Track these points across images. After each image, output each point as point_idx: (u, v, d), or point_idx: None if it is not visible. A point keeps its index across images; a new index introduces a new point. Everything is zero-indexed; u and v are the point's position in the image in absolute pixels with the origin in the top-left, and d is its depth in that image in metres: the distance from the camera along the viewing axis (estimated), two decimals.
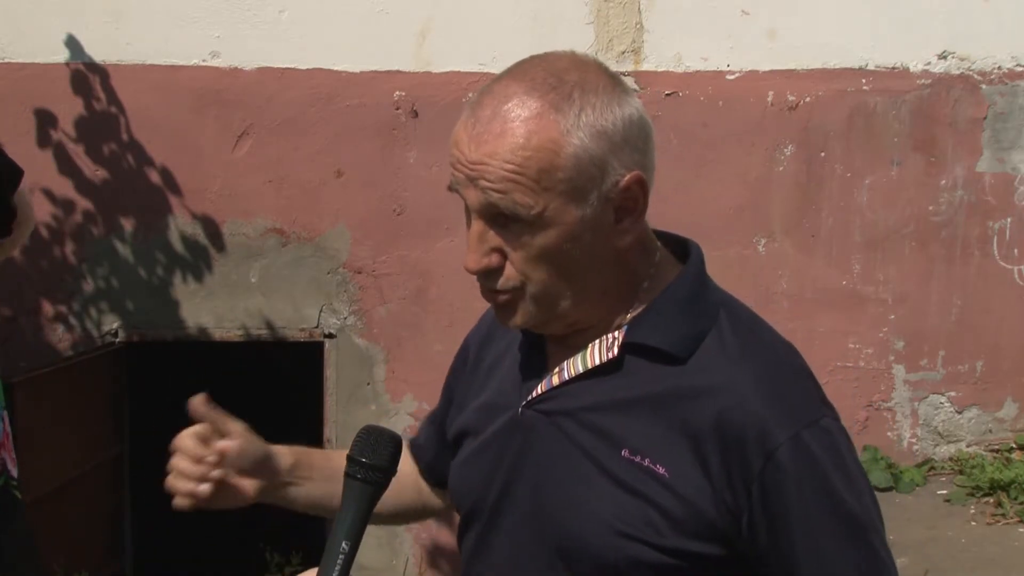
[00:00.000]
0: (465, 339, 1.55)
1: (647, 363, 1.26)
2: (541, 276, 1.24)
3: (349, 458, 1.31)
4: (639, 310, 1.29)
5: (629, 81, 4.76)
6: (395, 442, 1.33)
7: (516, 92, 1.20)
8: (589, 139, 1.19)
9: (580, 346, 1.30)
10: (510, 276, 1.25)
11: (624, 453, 1.24)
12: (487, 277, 1.26)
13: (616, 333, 1.28)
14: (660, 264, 1.32)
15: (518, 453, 1.32)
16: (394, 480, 1.31)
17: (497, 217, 1.22)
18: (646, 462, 1.23)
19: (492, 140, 1.19)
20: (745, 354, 1.25)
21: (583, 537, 1.25)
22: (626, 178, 1.21)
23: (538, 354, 1.36)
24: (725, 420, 1.20)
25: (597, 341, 1.29)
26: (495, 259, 1.24)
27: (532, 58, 1.25)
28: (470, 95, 5.03)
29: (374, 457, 1.30)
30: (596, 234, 1.23)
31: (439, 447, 1.56)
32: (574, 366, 1.29)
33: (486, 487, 1.36)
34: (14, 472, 2.52)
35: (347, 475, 1.31)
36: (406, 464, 1.55)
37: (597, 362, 1.28)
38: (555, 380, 1.30)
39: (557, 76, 1.21)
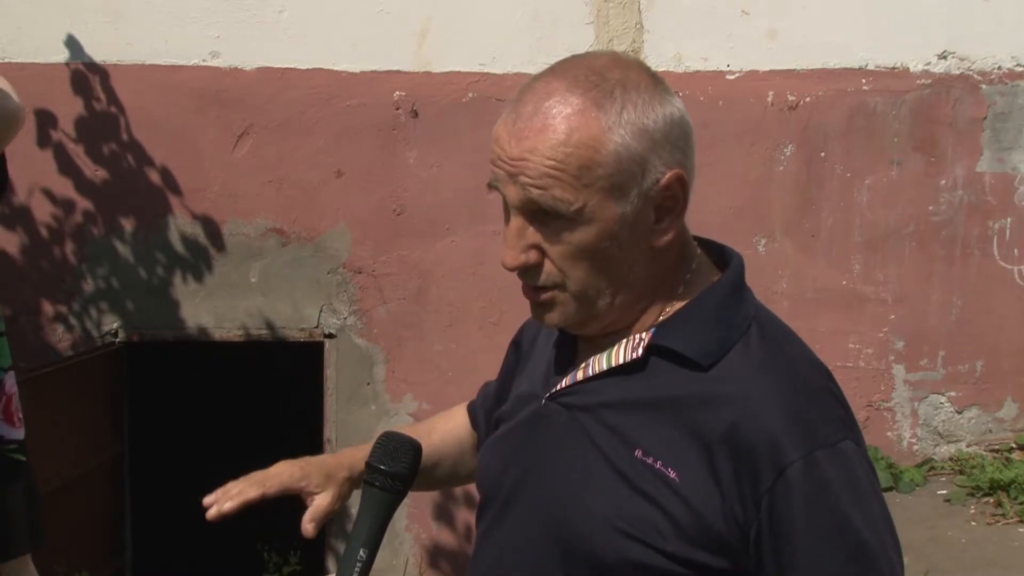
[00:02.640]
0: (517, 335, 1.57)
1: (670, 366, 1.26)
2: (580, 273, 1.24)
3: (368, 465, 1.31)
4: (670, 313, 1.29)
5: None
6: (415, 450, 1.33)
7: (558, 89, 1.21)
8: (630, 137, 1.20)
9: (609, 345, 1.30)
10: (550, 272, 1.25)
11: (637, 454, 1.24)
12: (526, 274, 1.27)
13: (643, 334, 1.28)
14: (697, 270, 1.31)
15: (537, 443, 1.34)
16: (456, 442, 1.40)
17: (537, 213, 1.22)
18: (658, 464, 1.22)
19: (533, 136, 1.20)
20: (768, 368, 1.24)
21: (585, 532, 1.25)
22: (667, 176, 1.22)
23: (569, 349, 1.37)
24: (739, 432, 1.19)
25: (625, 340, 1.29)
26: (533, 256, 1.25)
27: (573, 57, 1.27)
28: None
29: (393, 465, 1.30)
30: (635, 232, 1.23)
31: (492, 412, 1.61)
32: (599, 363, 1.30)
33: (504, 472, 1.37)
34: (17, 435, 2.50)
35: (366, 482, 1.30)
36: (464, 427, 1.66)
37: (621, 361, 1.28)
38: (579, 375, 1.31)
39: (599, 74, 1.21)
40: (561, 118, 1.19)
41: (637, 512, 1.22)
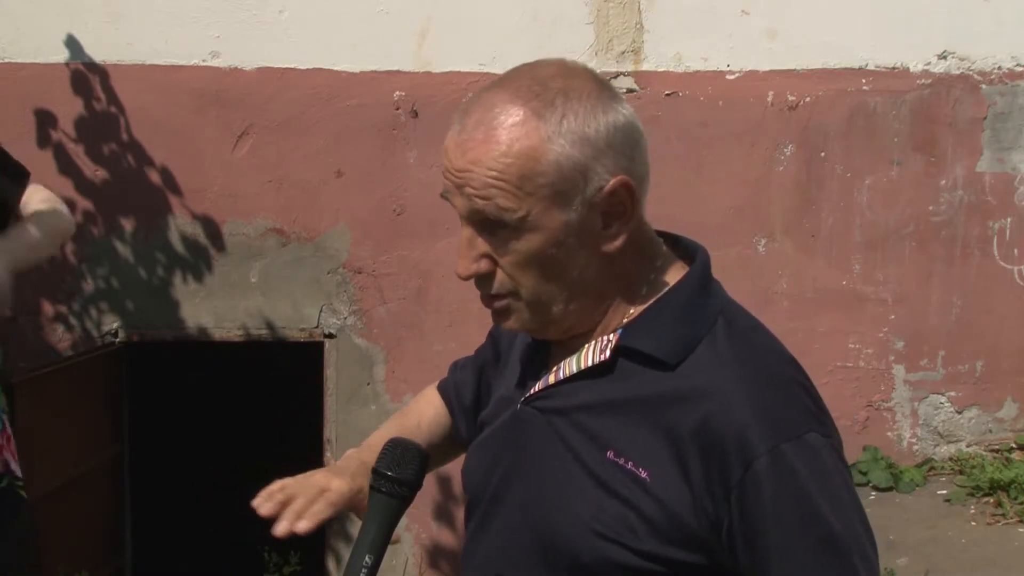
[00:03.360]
0: (490, 334, 1.59)
1: (638, 367, 1.27)
2: (530, 281, 1.27)
3: (374, 471, 1.31)
4: (636, 314, 1.30)
5: (629, 81, 4.76)
6: (421, 456, 1.33)
7: (500, 100, 1.23)
8: (571, 145, 1.21)
9: (579, 347, 1.32)
10: (502, 281, 1.28)
11: (609, 455, 1.25)
12: (480, 283, 1.30)
13: (611, 336, 1.29)
14: (662, 267, 1.33)
15: (516, 447, 1.35)
16: (441, 429, 1.47)
17: (484, 223, 1.25)
18: (629, 465, 1.23)
19: (476, 147, 1.22)
20: (734, 362, 1.25)
21: (564, 535, 1.27)
22: (611, 183, 1.23)
23: (542, 352, 1.39)
24: (707, 427, 1.20)
25: (593, 342, 1.30)
26: (484, 265, 1.27)
27: (521, 66, 1.28)
28: (465, 98, 4.99)
29: (400, 471, 1.30)
30: (583, 239, 1.24)
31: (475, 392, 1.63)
32: (569, 366, 1.31)
33: (487, 476, 1.39)
34: (18, 471, 2.52)
35: (372, 488, 1.31)
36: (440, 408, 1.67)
37: (590, 363, 1.30)
38: (551, 379, 1.33)
39: (542, 83, 1.23)
40: (503, 129, 1.21)
41: (611, 513, 1.23)
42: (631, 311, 1.30)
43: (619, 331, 1.29)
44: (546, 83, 1.23)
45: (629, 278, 1.30)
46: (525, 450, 1.34)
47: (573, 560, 1.26)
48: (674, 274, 1.32)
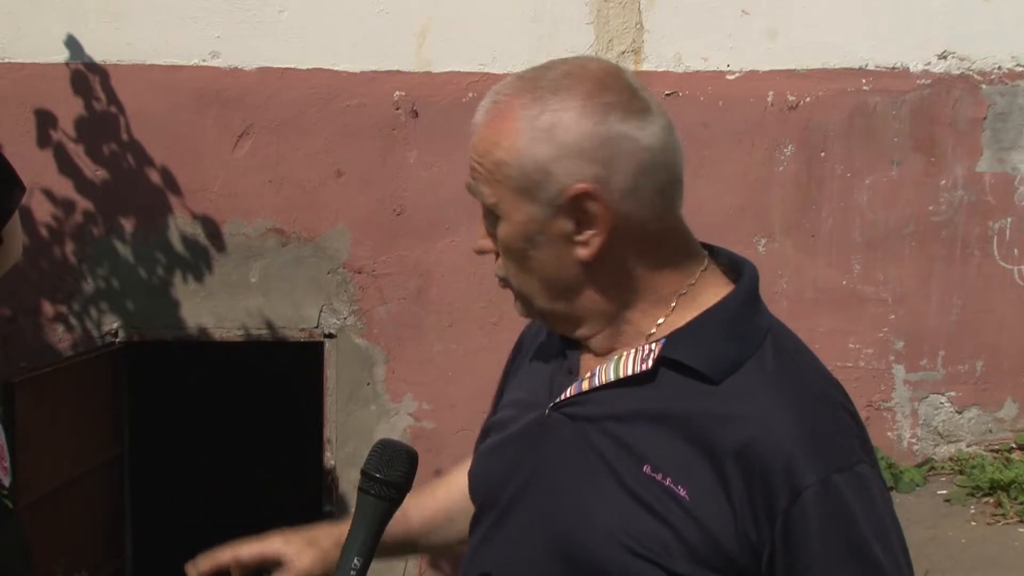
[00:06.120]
0: (520, 335, 1.55)
1: (681, 379, 1.22)
2: (512, 270, 1.28)
3: (363, 472, 1.29)
4: (677, 324, 1.25)
5: None
6: (411, 458, 1.32)
7: (505, 89, 1.25)
8: (536, 142, 1.20)
9: (612, 354, 1.28)
10: (499, 265, 1.31)
11: (646, 469, 1.21)
12: (496, 265, 1.32)
13: (652, 345, 1.25)
14: (702, 279, 1.28)
15: (539, 453, 1.31)
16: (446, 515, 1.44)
17: (483, 206, 1.28)
18: (667, 481, 1.19)
19: (476, 132, 1.26)
20: (783, 385, 1.20)
21: (590, 548, 1.22)
22: (571, 189, 1.20)
23: (572, 356, 1.35)
24: (752, 450, 1.16)
25: (633, 350, 1.26)
26: (488, 244, 1.30)
27: (552, 61, 1.28)
28: (467, 98, 5.07)
29: (388, 473, 1.29)
30: (553, 238, 1.23)
31: None
32: (606, 373, 1.27)
33: (503, 482, 1.34)
34: (6, 482, 2.50)
35: (360, 490, 1.29)
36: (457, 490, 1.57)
37: (630, 372, 1.25)
38: (585, 385, 1.28)
39: (545, 78, 1.23)
40: (491, 116, 1.24)
41: (644, 529, 1.19)
42: (659, 321, 1.26)
43: (662, 341, 1.24)
44: (549, 79, 1.23)
45: (639, 289, 1.26)
46: (550, 457, 1.29)
47: (597, 573, 1.21)
48: (716, 288, 1.27)
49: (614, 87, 1.24)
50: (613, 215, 1.21)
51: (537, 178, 1.21)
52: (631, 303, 1.27)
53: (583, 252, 1.23)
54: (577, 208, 1.21)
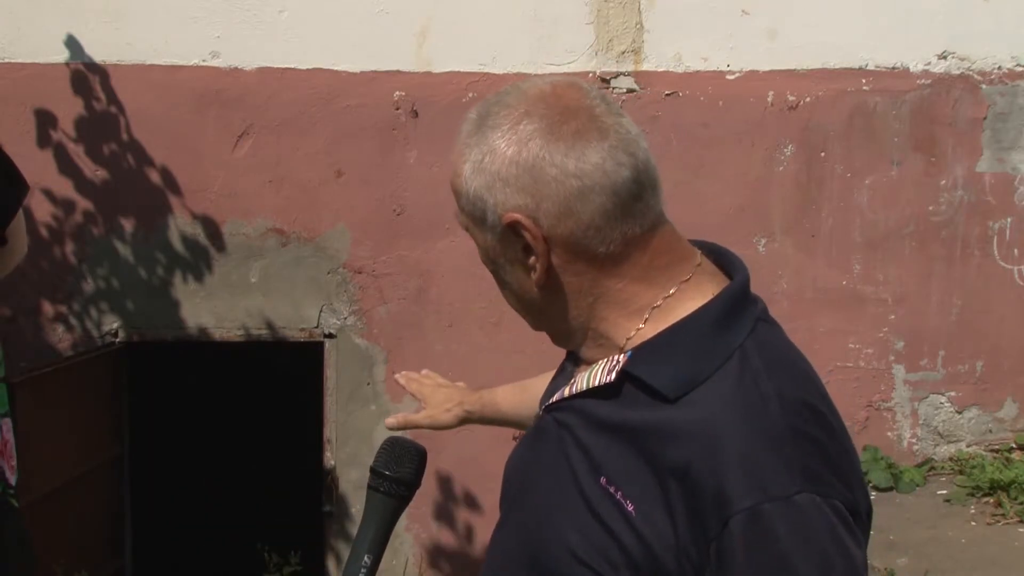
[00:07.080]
0: None
1: (640, 394, 1.22)
2: (500, 290, 1.33)
3: (372, 470, 1.31)
4: (650, 334, 1.24)
5: (629, 81, 4.76)
6: (419, 455, 1.33)
7: (471, 113, 1.28)
8: (474, 172, 1.23)
9: (596, 362, 1.30)
10: None
11: (602, 480, 1.21)
12: None
13: (620, 357, 1.25)
14: (687, 287, 1.25)
15: (533, 456, 1.35)
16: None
17: None
18: (618, 495, 1.19)
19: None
20: (735, 407, 1.16)
21: (551, 553, 1.24)
22: (504, 217, 1.22)
23: (572, 362, 1.39)
24: (692, 472, 1.14)
25: (604, 360, 1.27)
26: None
27: (518, 82, 1.29)
28: (466, 99, 5.08)
29: (398, 470, 1.30)
30: (511, 262, 1.26)
31: None
32: (582, 381, 1.29)
33: (509, 481, 1.39)
34: (12, 480, 2.50)
35: (370, 487, 1.30)
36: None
37: (598, 383, 1.26)
38: (567, 391, 1.31)
39: (495, 103, 1.25)
40: (456, 142, 1.28)
41: (593, 540, 1.20)
42: (630, 335, 1.25)
43: (628, 353, 1.24)
44: (496, 103, 1.25)
45: (609, 303, 1.25)
46: (538, 461, 1.33)
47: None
48: (695, 300, 1.25)
49: (544, 114, 1.21)
50: (549, 241, 1.22)
51: (480, 207, 1.24)
52: (604, 316, 1.27)
53: (534, 275, 1.25)
54: (516, 235, 1.23)
